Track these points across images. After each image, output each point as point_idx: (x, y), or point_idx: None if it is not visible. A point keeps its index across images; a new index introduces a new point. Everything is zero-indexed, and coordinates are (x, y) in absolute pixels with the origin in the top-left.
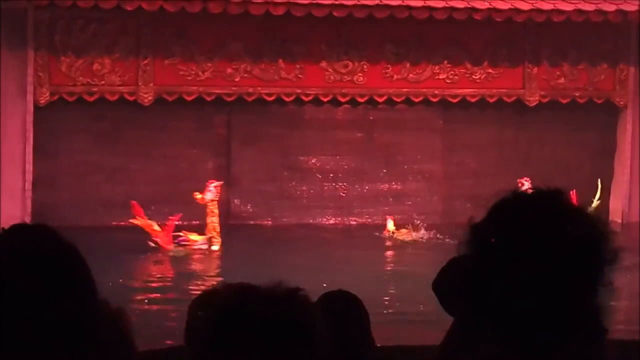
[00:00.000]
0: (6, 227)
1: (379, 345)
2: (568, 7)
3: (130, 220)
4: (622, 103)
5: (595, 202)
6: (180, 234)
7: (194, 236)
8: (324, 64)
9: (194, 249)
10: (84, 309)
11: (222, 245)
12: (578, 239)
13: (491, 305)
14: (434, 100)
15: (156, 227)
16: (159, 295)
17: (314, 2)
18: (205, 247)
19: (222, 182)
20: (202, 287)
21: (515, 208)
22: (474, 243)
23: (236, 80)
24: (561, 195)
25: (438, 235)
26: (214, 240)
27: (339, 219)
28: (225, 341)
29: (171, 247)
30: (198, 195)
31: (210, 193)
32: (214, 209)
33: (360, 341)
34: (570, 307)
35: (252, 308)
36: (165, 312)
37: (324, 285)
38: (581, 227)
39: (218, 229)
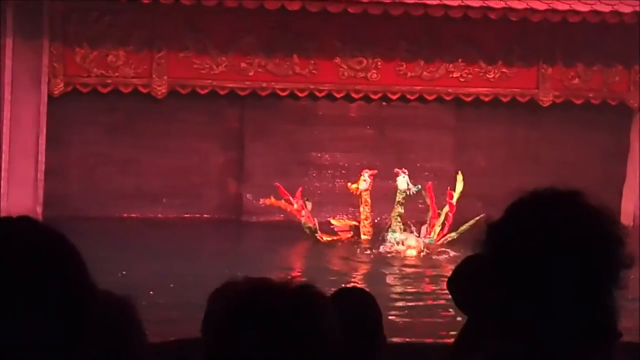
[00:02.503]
0: None
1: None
2: (584, 8)
3: (265, 201)
4: (635, 105)
5: (456, 195)
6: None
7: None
8: (337, 60)
9: (342, 238)
10: (73, 301)
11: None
12: (594, 240)
13: (505, 304)
14: (448, 98)
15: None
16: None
17: None
18: (349, 235)
19: (376, 171)
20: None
21: (533, 208)
22: (489, 242)
23: (250, 74)
24: (578, 196)
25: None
26: (364, 230)
27: (350, 215)
28: (235, 333)
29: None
30: (352, 186)
31: (365, 182)
32: (367, 198)
33: (372, 338)
34: (584, 308)
35: (262, 302)
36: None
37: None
38: (598, 228)
39: (370, 219)
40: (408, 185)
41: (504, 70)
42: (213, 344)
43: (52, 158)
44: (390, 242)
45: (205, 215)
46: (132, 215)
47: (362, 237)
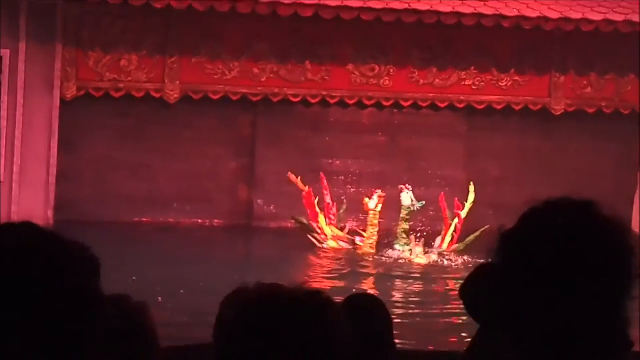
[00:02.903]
0: None
1: (400, 349)
2: (597, 17)
3: (290, 176)
4: None
5: (468, 206)
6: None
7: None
8: (350, 66)
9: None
10: (72, 306)
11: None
12: (608, 250)
13: (518, 314)
14: (460, 106)
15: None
16: None
17: (343, 4)
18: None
19: (384, 195)
20: None
21: (547, 217)
22: (503, 251)
23: (262, 80)
24: (592, 206)
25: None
26: (366, 244)
27: (361, 222)
28: (246, 339)
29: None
30: (366, 200)
31: (373, 202)
32: (373, 219)
33: (382, 345)
34: (598, 318)
35: (274, 308)
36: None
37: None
38: (611, 238)
39: (372, 239)
40: (412, 201)
41: (516, 78)
42: (225, 350)
43: (63, 162)
44: (398, 250)
45: (216, 221)
46: (143, 220)
47: (365, 250)
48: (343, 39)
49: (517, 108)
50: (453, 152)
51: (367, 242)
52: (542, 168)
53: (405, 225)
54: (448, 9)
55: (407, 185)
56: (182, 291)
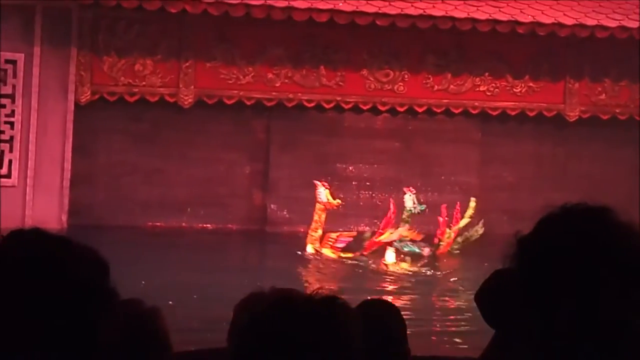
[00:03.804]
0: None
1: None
2: (612, 24)
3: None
4: None
5: (465, 220)
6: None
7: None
8: (364, 72)
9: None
10: (77, 309)
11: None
12: (625, 256)
13: (534, 319)
14: (474, 112)
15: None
16: None
17: (358, 10)
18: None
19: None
20: None
21: (564, 223)
22: (519, 257)
23: (277, 85)
24: (609, 212)
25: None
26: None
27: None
28: (261, 344)
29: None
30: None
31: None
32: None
33: (396, 350)
34: (615, 324)
35: (288, 313)
36: None
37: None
38: (630, 244)
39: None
40: (414, 203)
41: (530, 84)
42: (239, 355)
43: (78, 166)
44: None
45: (229, 226)
46: (157, 224)
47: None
48: (358, 44)
49: (531, 114)
50: (467, 158)
51: (312, 234)
52: (556, 174)
53: (405, 227)
54: (463, 15)
55: (410, 188)
56: (195, 296)
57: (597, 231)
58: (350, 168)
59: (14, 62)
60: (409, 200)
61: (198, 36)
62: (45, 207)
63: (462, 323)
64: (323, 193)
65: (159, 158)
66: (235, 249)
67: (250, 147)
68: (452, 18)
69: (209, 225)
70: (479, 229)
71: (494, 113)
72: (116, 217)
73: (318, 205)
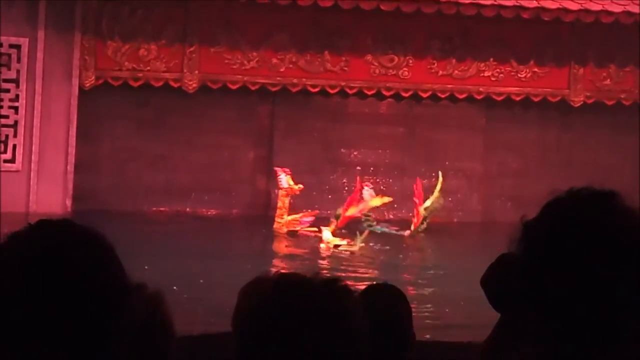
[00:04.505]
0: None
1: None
2: (617, 9)
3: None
4: None
5: (434, 196)
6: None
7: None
8: (369, 57)
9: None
10: (106, 300)
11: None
12: (631, 240)
13: (540, 304)
14: (479, 97)
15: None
16: None
17: None
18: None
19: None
20: None
21: (569, 207)
22: (525, 241)
23: (281, 70)
24: (614, 196)
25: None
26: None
27: (378, 213)
28: (263, 328)
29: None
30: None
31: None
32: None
33: (402, 335)
34: (620, 308)
35: (293, 296)
36: None
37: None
38: (634, 228)
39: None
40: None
41: (535, 70)
42: (244, 339)
43: (82, 152)
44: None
45: (234, 211)
46: (161, 209)
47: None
48: (362, 29)
49: (536, 100)
50: (471, 144)
51: (278, 220)
52: (561, 160)
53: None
54: (468, 0)
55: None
56: (201, 281)
57: (602, 216)
58: (355, 153)
59: (18, 47)
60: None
61: (202, 21)
62: (49, 193)
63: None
64: (284, 179)
65: (163, 143)
66: (239, 235)
67: (255, 133)
68: (457, 3)
69: (213, 211)
70: (440, 199)
71: (499, 99)
72: (120, 202)
73: (281, 192)
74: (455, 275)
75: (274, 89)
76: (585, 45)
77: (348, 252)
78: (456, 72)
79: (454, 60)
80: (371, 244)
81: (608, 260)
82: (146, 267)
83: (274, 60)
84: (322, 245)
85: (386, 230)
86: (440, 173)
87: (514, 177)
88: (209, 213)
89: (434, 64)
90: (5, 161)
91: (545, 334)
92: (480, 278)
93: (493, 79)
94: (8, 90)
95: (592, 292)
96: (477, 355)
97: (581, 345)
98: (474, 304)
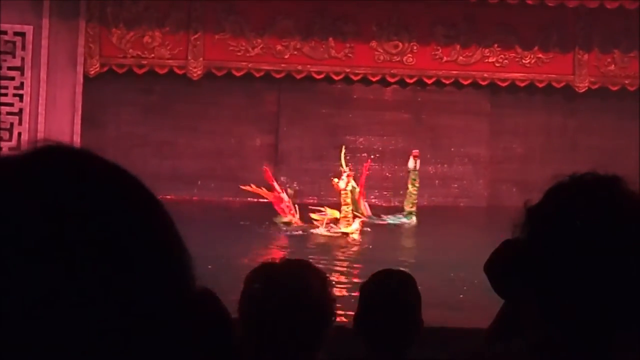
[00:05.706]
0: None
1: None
2: None
3: (246, 188)
4: None
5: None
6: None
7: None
8: (373, 43)
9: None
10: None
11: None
12: (635, 225)
13: (544, 289)
14: (483, 83)
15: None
16: None
17: None
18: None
19: (353, 173)
20: None
21: (573, 192)
22: (529, 226)
23: (286, 57)
24: (618, 181)
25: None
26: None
27: (384, 199)
28: (269, 312)
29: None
30: (335, 181)
31: (343, 182)
32: (346, 198)
33: (411, 320)
34: (625, 294)
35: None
36: None
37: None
38: (638, 213)
39: (348, 216)
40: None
41: (540, 55)
42: (251, 323)
43: (87, 139)
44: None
45: (240, 198)
46: (167, 197)
47: (342, 229)
48: (366, 16)
49: (540, 85)
50: (476, 130)
51: (344, 220)
52: (566, 145)
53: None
54: None
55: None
56: (209, 266)
57: (606, 200)
58: (360, 139)
59: (22, 35)
60: (412, 162)
61: (207, 8)
62: None
63: None
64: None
65: (168, 130)
66: (246, 221)
67: (260, 119)
68: None
69: (219, 198)
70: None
71: (503, 84)
72: None
73: (344, 193)
74: (459, 261)
75: (278, 76)
76: (590, 31)
77: (350, 238)
78: (461, 58)
79: (458, 47)
80: (377, 230)
81: (611, 245)
82: None
83: (279, 47)
84: (319, 230)
85: (397, 221)
86: (343, 148)
87: (519, 162)
88: (215, 200)
89: (438, 50)
90: (10, 149)
91: (549, 320)
92: (484, 264)
93: (497, 64)
94: (13, 78)
95: (596, 277)
96: (481, 341)
97: (584, 331)
98: (478, 289)
